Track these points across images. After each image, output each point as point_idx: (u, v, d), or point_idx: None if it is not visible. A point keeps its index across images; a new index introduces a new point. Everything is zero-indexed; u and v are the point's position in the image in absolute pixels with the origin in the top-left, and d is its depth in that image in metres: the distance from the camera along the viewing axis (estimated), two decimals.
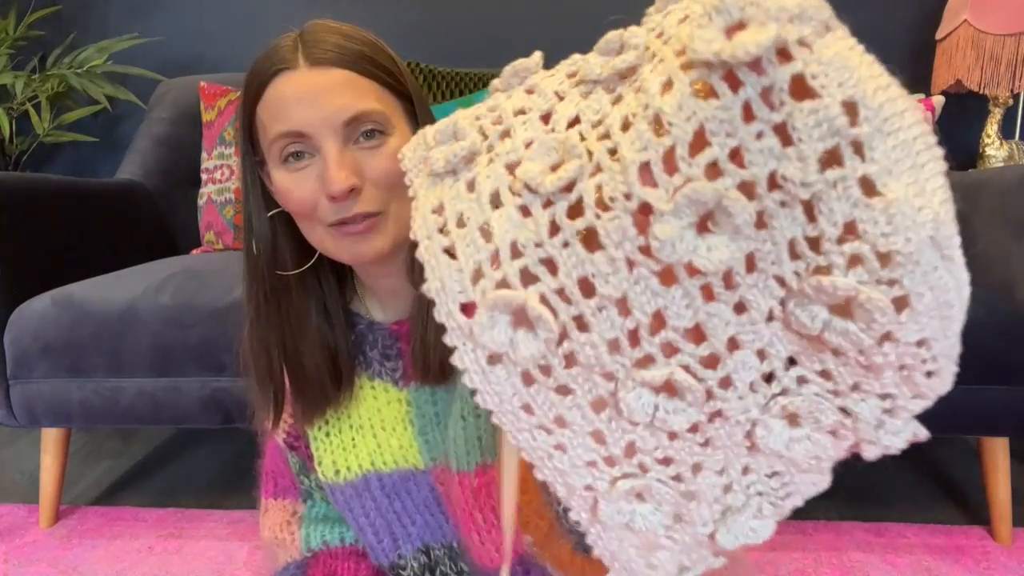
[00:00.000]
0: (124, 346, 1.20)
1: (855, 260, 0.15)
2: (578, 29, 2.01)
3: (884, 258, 0.15)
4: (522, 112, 0.19)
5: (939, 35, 1.79)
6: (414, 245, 0.45)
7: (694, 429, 0.18)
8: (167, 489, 1.50)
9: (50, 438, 1.33)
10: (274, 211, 0.62)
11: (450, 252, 0.18)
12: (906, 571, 1.16)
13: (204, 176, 1.71)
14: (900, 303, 0.15)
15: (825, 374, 0.17)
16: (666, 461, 0.19)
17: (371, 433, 0.68)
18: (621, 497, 0.19)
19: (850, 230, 0.15)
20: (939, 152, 0.15)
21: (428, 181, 0.20)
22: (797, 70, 0.15)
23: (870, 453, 0.19)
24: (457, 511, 0.65)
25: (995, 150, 1.73)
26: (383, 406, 0.68)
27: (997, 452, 1.21)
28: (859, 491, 1.38)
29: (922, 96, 1.41)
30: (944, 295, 0.15)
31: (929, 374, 0.17)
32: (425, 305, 0.61)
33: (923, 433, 0.19)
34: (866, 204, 0.14)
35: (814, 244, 0.15)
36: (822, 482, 0.21)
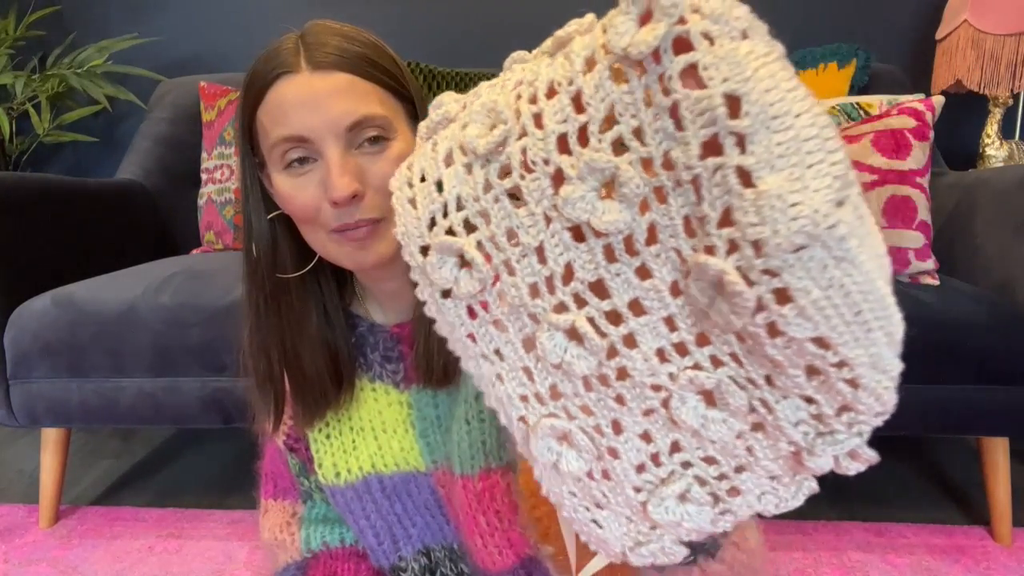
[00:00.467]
0: (124, 346, 1.20)
1: (733, 246, 0.16)
2: None
3: (756, 247, 0.16)
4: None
5: (939, 35, 1.79)
6: None
7: (604, 381, 0.20)
8: (167, 489, 1.50)
9: (50, 438, 1.33)
10: (274, 213, 0.61)
11: (413, 203, 0.21)
12: (906, 571, 1.16)
13: (204, 176, 1.71)
14: (782, 296, 0.16)
15: (735, 358, 0.18)
16: (586, 410, 0.21)
17: (372, 435, 0.68)
18: (547, 434, 0.21)
19: (727, 216, 0.16)
20: (839, 158, 0.16)
21: (417, 145, 0.24)
22: (690, 60, 0.16)
23: (811, 464, 0.19)
24: (459, 514, 0.65)
25: (995, 150, 1.73)
26: (384, 408, 0.68)
27: (997, 452, 1.21)
28: (859, 491, 1.38)
29: (922, 96, 1.41)
30: (844, 298, 0.16)
31: (852, 384, 0.17)
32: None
33: (869, 455, 0.19)
34: (739, 193, 0.15)
35: (701, 223, 0.17)
36: (777, 494, 0.21)
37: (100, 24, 2.15)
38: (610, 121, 0.18)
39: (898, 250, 1.22)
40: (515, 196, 0.20)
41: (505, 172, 0.20)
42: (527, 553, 0.63)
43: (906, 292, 1.17)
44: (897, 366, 0.18)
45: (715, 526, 0.21)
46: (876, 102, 1.49)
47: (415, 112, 0.60)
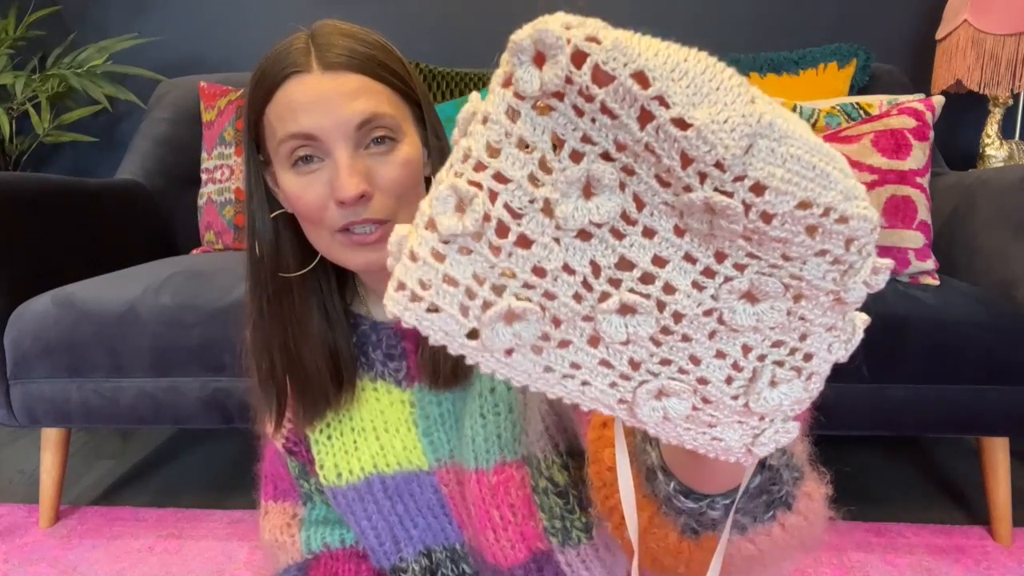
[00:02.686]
0: (124, 346, 1.20)
1: (702, 176, 0.20)
2: None
3: (718, 166, 0.19)
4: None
5: (939, 35, 1.79)
6: None
7: (666, 332, 0.23)
8: (167, 489, 1.50)
9: (50, 438, 1.33)
10: (277, 212, 0.61)
11: (434, 310, 0.23)
12: (906, 571, 1.16)
13: (204, 176, 1.71)
14: (757, 189, 0.20)
15: (752, 256, 0.22)
16: (664, 362, 0.24)
17: (374, 435, 0.68)
18: (647, 399, 0.25)
19: (685, 158, 0.20)
20: (729, 71, 0.20)
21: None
22: (592, 63, 0.19)
23: (850, 298, 0.23)
24: (471, 509, 0.65)
25: (995, 150, 1.73)
26: (386, 407, 0.68)
27: (997, 452, 1.21)
28: (859, 491, 1.38)
29: (922, 96, 1.41)
30: (797, 163, 0.20)
31: (842, 220, 0.21)
32: None
33: (884, 262, 0.23)
34: (684, 136, 0.19)
35: (670, 173, 0.20)
36: (840, 338, 0.25)
37: (100, 24, 2.15)
38: (558, 143, 0.21)
39: (898, 250, 1.22)
40: (520, 243, 0.22)
41: (503, 232, 0.22)
42: (539, 547, 0.64)
43: (906, 292, 1.17)
44: (860, 187, 0.21)
45: (809, 391, 0.25)
46: (876, 102, 1.49)
47: (422, 116, 0.61)
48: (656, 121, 0.19)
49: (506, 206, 0.22)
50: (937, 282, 1.22)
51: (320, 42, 0.55)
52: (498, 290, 0.23)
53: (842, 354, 0.25)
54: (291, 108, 0.54)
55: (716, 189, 0.20)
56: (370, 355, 0.68)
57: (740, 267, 0.22)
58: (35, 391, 1.24)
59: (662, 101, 0.19)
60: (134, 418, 1.25)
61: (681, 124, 0.19)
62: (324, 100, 0.53)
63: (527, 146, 0.21)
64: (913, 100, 1.35)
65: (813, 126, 1.46)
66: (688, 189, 0.20)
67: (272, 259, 0.62)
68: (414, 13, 2.07)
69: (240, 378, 1.19)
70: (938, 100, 1.31)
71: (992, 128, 1.74)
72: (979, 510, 1.31)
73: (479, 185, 0.22)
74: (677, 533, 0.39)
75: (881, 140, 1.26)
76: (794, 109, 1.49)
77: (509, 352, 0.24)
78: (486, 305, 0.23)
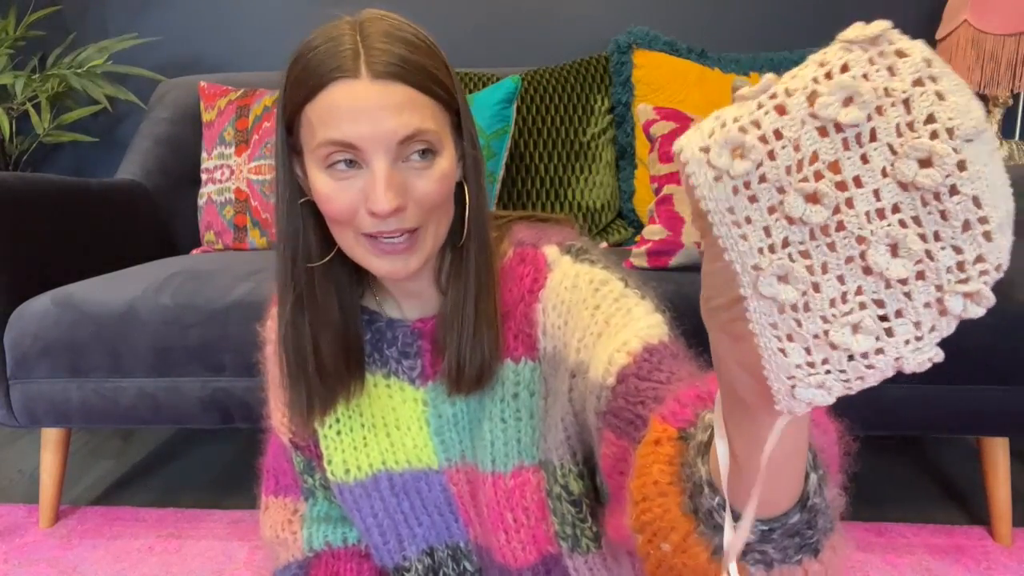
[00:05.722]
0: (124, 346, 1.20)
1: (934, 134, 0.25)
2: (578, 29, 2.01)
3: (950, 132, 0.24)
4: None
5: (939, 35, 1.79)
6: (442, 250, 0.62)
7: (825, 231, 0.27)
8: (167, 489, 1.50)
9: (50, 438, 1.33)
10: (303, 200, 0.60)
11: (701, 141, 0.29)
12: (906, 571, 1.16)
13: (204, 176, 1.71)
14: (961, 165, 0.24)
15: (916, 221, 0.26)
16: (805, 255, 0.28)
17: (384, 432, 0.68)
18: (773, 272, 0.28)
19: (930, 118, 0.25)
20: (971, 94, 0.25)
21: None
22: (896, 47, 0.26)
23: (950, 305, 0.27)
24: (484, 510, 0.65)
25: None
26: (398, 405, 0.68)
27: (997, 452, 1.21)
28: (859, 491, 1.38)
29: None
30: (993, 171, 0.25)
31: (987, 236, 0.25)
32: (459, 312, 0.61)
33: (989, 296, 0.27)
34: (938, 103, 0.25)
35: (910, 126, 0.25)
36: (918, 342, 0.28)
37: (100, 24, 2.15)
38: (844, 69, 0.26)
39: None
40: (780, 110, 0.27)
41: (772, 96, 0.27)
42: (549, 551, 0.64)
43: None
44: (1011, 233, 0.26)
45: (870, 359, 0.28)
46: None
47: (459, 122, 0.60)
48: (924, 88, 0.25)
49: (785, 89, 0.27)
50: None
51: (370, 45, 0.53)
52: (741, 129, 0.27)
53: (908, 358, 0.28)
54: (334, 113, 0.53)
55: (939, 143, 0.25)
56: (384, 352, 0.67)
57: (903, 224, 0.26)
58: (35, 391, 1.24)
59: (933, 78, 0.25)
60: (134, 418, 1.25)
61: (940, 96, 0.25)
62: (369, 111, 0.52)
63: (825, 67, 0.27)
64: None
65: None
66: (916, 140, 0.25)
67: (297, 248, 0.61)
68: (415, 13, 2.07)
69: (240, 378, 1.20)
70: None
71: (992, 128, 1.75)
72: (979, 510, 1.31)
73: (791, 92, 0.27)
74: (708, 554, 0.39)
75: None
76: None
77: (718, 178, 0.28)
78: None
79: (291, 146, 0.59)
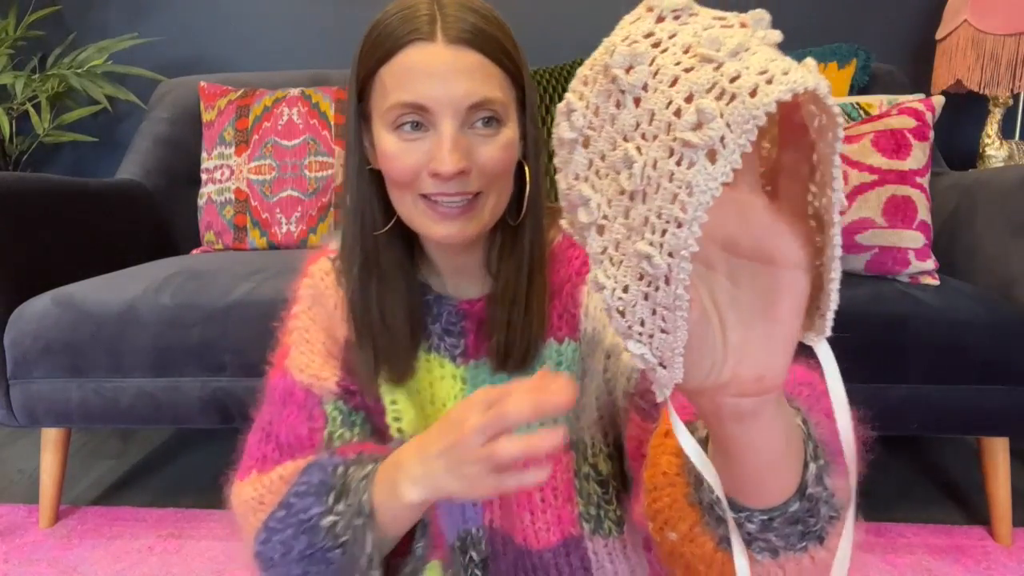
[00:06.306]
0: (124, 346, 1.20)
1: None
2: (578, 29, 2.01)
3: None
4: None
5: (939, 35, 1.79)
6: (493, 228, 0.62)
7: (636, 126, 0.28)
8: (167, 489, 1.50)
9: (50, 438, 1.33)
10: (370, 166, 0.61)
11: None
12: (906, 571, 1.16)
13: (204, 176, 1.71)
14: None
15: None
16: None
17: (418, 405, 0.67)
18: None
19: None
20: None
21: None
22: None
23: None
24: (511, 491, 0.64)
25: (995, 150, 1.73)
26: (436, 380, 0.67)
27: (997, 452, 1.21)
28: (859, 491, 1.37)
29: (922, 96, 1.41)
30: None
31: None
32: (511, 290, 0.62)
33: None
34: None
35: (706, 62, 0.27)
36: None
37: (100, 24, 2.15)
38: (687, 49, 0.27)
39: (898, 250, 1.22)
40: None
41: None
42: (571, 533, 0.64)
43: (906, 292, 1.17)
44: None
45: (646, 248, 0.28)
46: (876, 102, 1.49)
47: (523, 100, 0.61)
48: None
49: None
50: (937, 282, 1.22)
51: (447, 13, 0.55)
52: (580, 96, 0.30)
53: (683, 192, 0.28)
54: (409, 75, 0.54)
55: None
56: (428, 326, 0.67)
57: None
58: (35, 391, 1.24)
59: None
60: (134, 418, 1.25)
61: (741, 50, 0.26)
62: (442, 74, 0.54)
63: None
64: (913, 100, 1.35)
65: None
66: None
67: (365, 213, 0.62)
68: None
69: (240, 378, 1.20)
70: (938, 100, 1.31)
71: (992, 128, 1.74)
72: (979, 510, 1.31)
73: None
74: (714, 544, 0.40)
75: (881, 140, 1.26)
76: None
77: (571, 148, 0.30)
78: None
79: (360, 113, 0.61)
